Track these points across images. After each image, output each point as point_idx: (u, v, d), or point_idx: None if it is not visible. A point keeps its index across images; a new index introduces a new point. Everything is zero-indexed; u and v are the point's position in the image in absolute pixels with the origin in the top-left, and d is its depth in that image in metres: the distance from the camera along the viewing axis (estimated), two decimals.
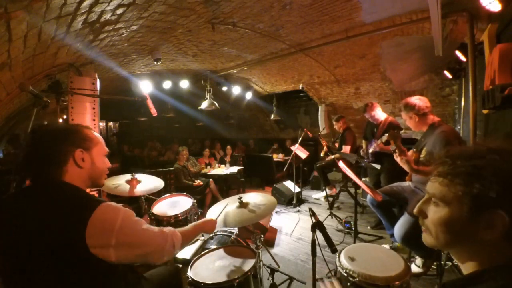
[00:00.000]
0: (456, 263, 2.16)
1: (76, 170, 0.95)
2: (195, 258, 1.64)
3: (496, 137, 2.29)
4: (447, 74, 3.78)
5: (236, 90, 5.71)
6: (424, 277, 2.19)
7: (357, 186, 2.92)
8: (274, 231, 3.43)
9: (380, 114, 3.29)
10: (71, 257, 0.79)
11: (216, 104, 4.75)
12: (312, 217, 1.51)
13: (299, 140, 4.29)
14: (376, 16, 2.91)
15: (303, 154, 4.32)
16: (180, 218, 2.26)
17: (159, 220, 2.24)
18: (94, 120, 2.95)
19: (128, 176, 2.36)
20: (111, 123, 11.78)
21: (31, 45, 2.15)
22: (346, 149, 4.16)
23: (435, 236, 0.62)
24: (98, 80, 3.02)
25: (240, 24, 2.99)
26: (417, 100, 2.10)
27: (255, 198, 1.88)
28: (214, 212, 1.73)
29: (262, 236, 1.92)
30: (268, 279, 2.05)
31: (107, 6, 2.03)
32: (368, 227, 3.42)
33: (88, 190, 1.00)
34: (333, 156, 4.18)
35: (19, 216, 0.84)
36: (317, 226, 1.46)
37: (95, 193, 2.57)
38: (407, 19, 2.85)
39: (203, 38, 3.30)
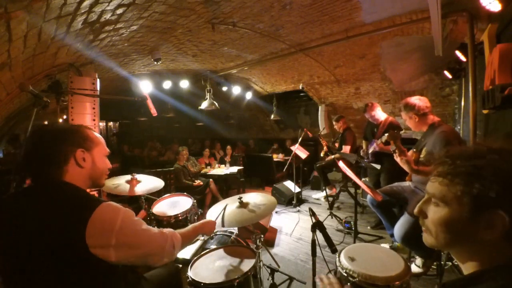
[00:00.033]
0: (456, 263, 2.16)
1: (77, 170, 0.95)
2: (195, 258, 1.63)
3: (496, 137, 2.29)
4: (447, 74, 3.78)
5: (236, 90, 5.71)
6: (424, 277, 2.19)
7: (357, 186, 2.92)
8: (274, 231, 3.43)
9: (380, 114, 3.29)
10: (71, 257, 0.79)
11: (216, 104, 4.75)
12: (312, 217, 1.51)
13: (299, 140, 4.29)
14: (376, 16, 2.91)
15: (303, 154, 4.32)
16: (180, 218, 2.26)
17: (159, 220, 2.24)
18: (94, 120, 2.95)
19: (128, 177, 2.36)
20: (111, 123, 11.79)
21: (31, 45, 2.15)
22: (346, 149, 4.16)
23: (435, 236, 0.63)
24: (98, 80, 3.02)
25: (240, 24, 2.99)
26: (417, 100, 2.10)
27: (255, 198, 1.87)
28: (214, 212, 1.73)
29: (262, 236, 1.91)
30: (268, 279, 2.05)
31: (107, 6, 2.03)
32: (368, 227, 3.42)
33: (88, 190, 1.00)
34: (333, 156, 4.18)
35: (19, 216, 0.84)
36: (317, 226, 1.46)
37: (95, 193, 2.57)
38: (407, 19, 2.85)
39: (203, 38, 3.30)
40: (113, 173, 2.40)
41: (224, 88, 5.67)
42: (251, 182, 6.27)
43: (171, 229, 1.08)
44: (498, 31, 2.15)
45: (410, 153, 2.07)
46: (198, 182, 4.57)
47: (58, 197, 0.87)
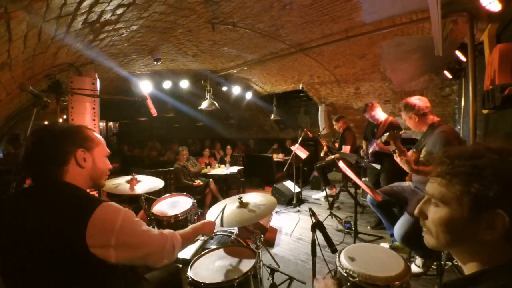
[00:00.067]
0: (456, 263, 2.16)
1: (78, 170, 0.96)
2: (195, 258, 1.63)
3: (496, 137, 2.29)
4: (447, 74, 3.78)
5: (236, 90, 5.71)
6: (424, 277, 2.19)
7: (357, 186, 2.92)
8: (274, 231, 3.43)
9: (380, 114, 3.29)
10: (71, 256, 0.79)
11: (216, 104, 4.75)
12: (312, 217, 1.51)
13: (299, 140, 4.29)
14: (376, 16, 2.91)
15: (303, 154, 4.32)
16: (180, 218, 2.26)
17: (159, 220, 2.24)
18: (94, 120, 2.95)
19: (128, 177, 2.38)
20: (111, 123, 11.79)
21: (31, 45, 2.15)
22: (346, 149, 4.16)
23: (435, 236, 0.62)
24: (98, 80, 3.02)
25: (240, 24, 2.99)
26: (417, 100, 2.10)
27: (255, 198, 1.87)
28: (214, 212, 1.73)
29: (262, 236, 1.91)
30: (268, 279, 2.05)
31: (107, 6, 2.03)
32: (368, 227, 3.42)
33: (88, 190, 1.00)
34: (333, 156, 4.18)
35: (19, 216, 0.84)
36: (317, 226, 1.46)
37: (95, 193, 2.57)
38: (407, 19, 2.85)
39: (203, 38, 3.30)
40: (113, 173, 2.40)
41: (224, 88, 5.67)
42: (251, 182, 6.27)
43: (171, 230, 1.08)
44: (498, 31, 2.15)
45: (410, 153, 2.07)
46: (198, 182, 4.57)
47: (58, 197, 0.87)
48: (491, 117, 2.42)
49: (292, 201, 4.42)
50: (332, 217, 3.67)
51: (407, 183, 2.31)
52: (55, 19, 1.92)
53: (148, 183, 2.39)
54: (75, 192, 0.91)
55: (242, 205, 1.76)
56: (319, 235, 1.44)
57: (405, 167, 1.95)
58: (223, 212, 1.71)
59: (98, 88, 3.03)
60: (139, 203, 2.45)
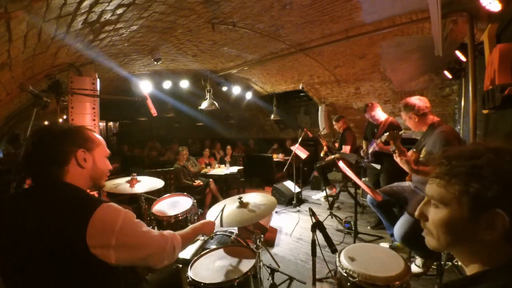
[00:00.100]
0: (456, 263, 2.16)
1: (78, 171, 0.96)
2: (195, 258, 1.64)
3: (496, 137, 2.29)
4: (447, 74, 3.78)
5: (236, 90, 5.71)
6: (424, 277, 2.19)
7: (357, 186, 2.92)
8: (274, 231, 3.43)
9: (380, 114, 3.29)
10: (71, 257, 0.79)
11: (216, 104, 4.75)
12: (312, 217, 1.51)
13: (299, 140, 4.29)
14: (376, 16, 2.91)
15: (303, 154, 4.32)
16: (180, 218, 2.26)
17: (159, 220, 2.24)
18: (94, 120, 2.95)
19: (128, 178, 2.39)
20: (111, 123, 11.79)
21: (31, 45, 2.15)
22: (346, 149, 4.16)
23: (436, 238, 0.62)
24: (98, 80, 3.02)
25: (240, 24, 2.99)
26: (417, 100, 2.10)
27: (255, 198, 1.88)
28: (214, 212, 1.73)
29: (262, 236, 1.92)
30: (268, 279, 2.05)
31: (107, 6, 2.03)
32: (368, 227, 3.42)
33: (87, 191, 1.00)
34: (333, 156, 4.18)
35: (20, 216, 0.84)
36: (317, 226, 1.46)
37: (95, 193, 2.57)
38: (407, 19, 2.85)
39: (203, 38, 3.30)
40: (113, 173, 2.41)
41: (224, 88, 5.67)
42: (251, 182, 6.27)
43: (171, 231, 1.08)
44: (498, 31, 2.15)
45: (410, 153, 2.07)
46: (198, 182, 4.57)
47: (58, 197, 0.87)
48: (491, 117, 2.43)
49: (292, 201, 4.42)
50: (332, 217, 3.67)
51: (407, 183, 2.31)
52: (55, 19, 1.92)
53: (148, 184, 2.40)
54: (75, 192, 0.91)
55: (242, 205, 1.76)
56: (319, 235, 1.44)
57: (405, 167, 1.95)
58: (223, 212, 1.71)
59: (98, 88, 3.03)
60: (139, 203, 2.45)
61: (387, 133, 1.97)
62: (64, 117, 5.64)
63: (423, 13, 2.66)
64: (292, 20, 3.01)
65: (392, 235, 2.41)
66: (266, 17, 2.88)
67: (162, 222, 2.23)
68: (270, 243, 3.14)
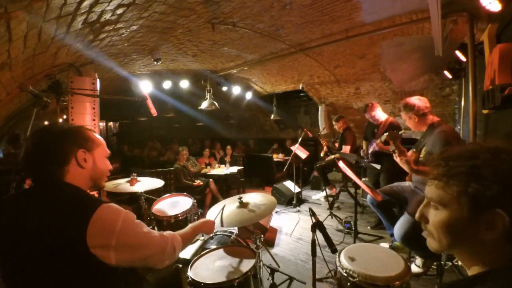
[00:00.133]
0: (456, 263, 2.16)
1: (78, 171, 0.96)
2: (195, 258, 1.64)
3: (496, 137, 2.29)
4: (447, 74, 3.78)
5: (236, 90, 5.71)
6: (424, 277, 2.19)
7: (357, 186, 2.92)
8: (274, 231, 3.43)
9: (380, 114, 3.29)
10: (71, 257, 0.79)
11: (216, 104, 4.75)
12: (312, 217, 1.51)
13: (299, 140, 4.29)
14: (376, 16, 2.91)
15: (303, 154, 4.32)
16: (180, 218, 2.26)
17: (159, 220, 2.24)
18: (94, 120, 2.95)
19: (128, 178, 2.39)
20: (111, 123, 11.78)
21: (31, 45, 2.15)
22: (346, 149, 4.16)
23: (437, 239, 0.62)
24: (98, 80, 3.02)
25: (240, 24, 2.99)
26: (417, 101, 2.10)
27: (255, 198, 1.88)
28: (214, 212, 1.73)
29: (262, 236, 1.92)
30: (268, 279, 2.05)
31: (107, 6, 2.03)
32: (368, 227, 3.42)
33: (88, 191, 1.00)
34: (333, 156, 4.18)
35: (20, 216, 0.84)
36: (317, 226, 1.46)
37: (95, 193, 2.58)
38: (407, 19, 2.85)
39: (203, 38, 3.30)
40: (113, 173, 2.42)
41: (224, 88, 5.67)
42: (251, 182, 6.27)
43: (171, 232, 1.08)
44: (498, 31, 2.15)
45: (410, 153, 2.07)
46: (198, 182, 4.57)
47: (58, 197, 0.87)
48: (491, 117, 2.43)
49: (292, 201, 4.42)
50: (332, 217, 3.67)
51: (407, 183, 2.31)
52: (55, 19, 1.92)
53: (148, 184, 2.41)
54: (75, 192, 0.91)
55: (242, 205, 1.76)
56: (319, 235, 1.44)
57: (405, 167, 1.95)
58: (223, 212, 1.71)
59: (98, 88, 3.03)
60: (139, 203, 2.45)
61: (387, 133, 1.97)
62: (64, 117, 5.64)
63: (423, 13, 2.66)
64: (292, 20, 3.01)
65: (392, 235, 2.42)
66: (266, 17, 2.88)
67: (162, 222, 2.23)
68: (270, 243, 3.14)
